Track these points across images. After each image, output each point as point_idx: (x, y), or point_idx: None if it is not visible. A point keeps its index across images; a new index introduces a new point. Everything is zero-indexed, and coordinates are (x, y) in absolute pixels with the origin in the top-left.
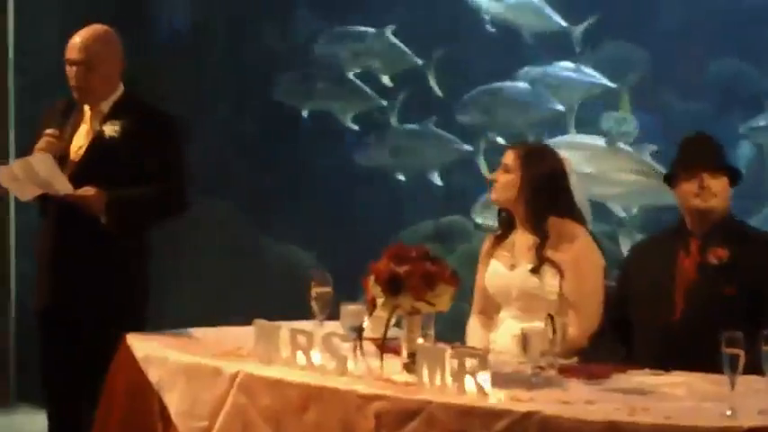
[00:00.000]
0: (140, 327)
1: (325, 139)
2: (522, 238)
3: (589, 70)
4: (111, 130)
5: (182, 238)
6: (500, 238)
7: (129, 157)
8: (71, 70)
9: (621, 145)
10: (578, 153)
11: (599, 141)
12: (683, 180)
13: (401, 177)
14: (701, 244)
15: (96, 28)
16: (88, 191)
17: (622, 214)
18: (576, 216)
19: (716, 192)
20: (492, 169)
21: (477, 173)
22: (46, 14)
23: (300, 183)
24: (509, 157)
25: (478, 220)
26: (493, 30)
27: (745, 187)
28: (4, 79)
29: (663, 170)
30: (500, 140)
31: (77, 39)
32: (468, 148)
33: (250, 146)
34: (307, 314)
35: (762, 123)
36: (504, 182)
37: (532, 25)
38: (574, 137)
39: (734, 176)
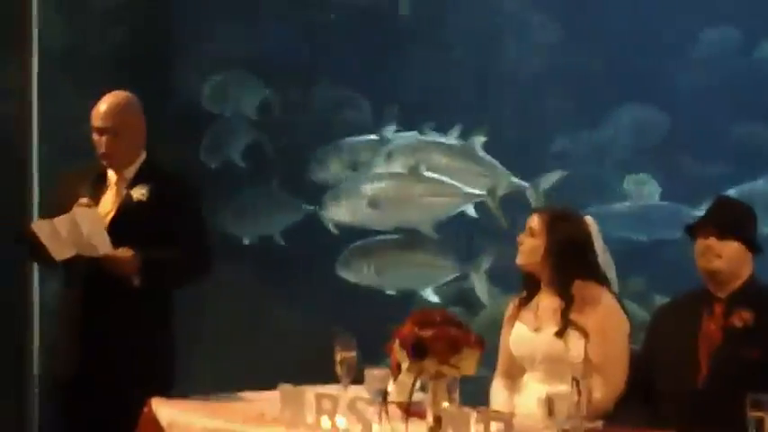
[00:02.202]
0: (168, 390)
1: None
2: (547, 301)
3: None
4: (138, 194)
5: (204, 303)
6: (525, 301)
7: (157, 221)
8: (99, 139)
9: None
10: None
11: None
12: (695, 238)
13: None
14: (726, 307)
15: (120, 95)
16: (126, 252)
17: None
18: (601, 279)
19: (720, 253)
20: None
21: None
22: (67, 80)
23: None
24: (534, 222)
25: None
26: None
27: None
28: (28, 146)
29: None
30: None
31: (103, 107)
32: None
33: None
34: (330, 379)
35: None
36: (530, 246)
37: None
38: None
39: (748, 243)
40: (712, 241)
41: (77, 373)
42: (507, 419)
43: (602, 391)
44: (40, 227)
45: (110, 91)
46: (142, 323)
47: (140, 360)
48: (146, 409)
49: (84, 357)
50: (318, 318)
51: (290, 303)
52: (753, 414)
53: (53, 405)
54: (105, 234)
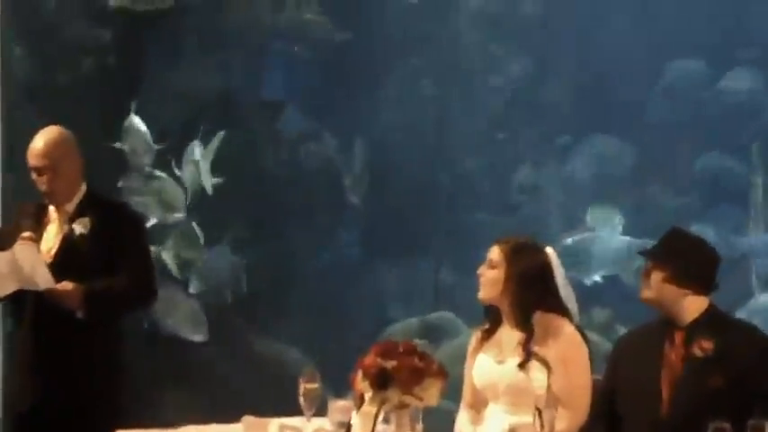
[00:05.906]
0: (119, 417)
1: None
2: (509, 333)
3: None
4: (79, 228)
5: (170, 336)
6: (488, 333)
7: (99, 253)
8: (39, 178)
9: None
10: None
11: None
12: None
13: None
14: (686, 336)
15: (53, 131)
16: (66, 285)
17: None
18: (562, 310)
19: (649, 284)
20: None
21: None
22: (31, 111)
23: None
24: (494, 253)
25: None
26: None
27: (729, 282)
28: None
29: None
30: None
31: (38, 145)
32: None
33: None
34: (296, 411)
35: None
36: (490, 278)
37: None
38: None
39: (674, 277)
40: (643, 272)
41: (33, 405)
42: None
43: (566, 421)
44: None
45: (48, 125)
46: (91, 352)
47: (91, 388)
48: None
49: (37, 390)
50: None
51: None
52: None
53: None
54: (46, 269)
